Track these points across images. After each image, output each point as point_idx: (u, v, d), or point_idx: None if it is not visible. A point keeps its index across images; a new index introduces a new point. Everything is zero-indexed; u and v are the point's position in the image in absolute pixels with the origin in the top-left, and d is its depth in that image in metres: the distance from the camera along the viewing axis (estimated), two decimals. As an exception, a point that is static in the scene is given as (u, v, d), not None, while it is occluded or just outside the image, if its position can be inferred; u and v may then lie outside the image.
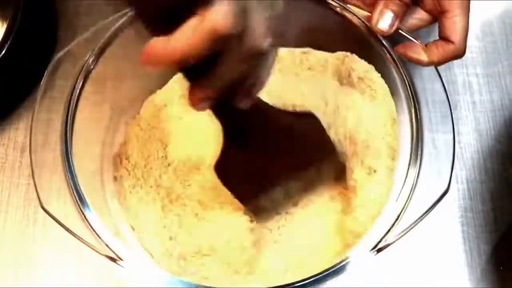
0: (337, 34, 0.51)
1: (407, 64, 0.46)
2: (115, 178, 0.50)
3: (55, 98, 0.45)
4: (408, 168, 0.43)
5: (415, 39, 0.46)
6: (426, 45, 0.46)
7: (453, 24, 0.45)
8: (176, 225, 0.48)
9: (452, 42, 0.45)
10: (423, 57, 0.45)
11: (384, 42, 0.46)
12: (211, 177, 0.47)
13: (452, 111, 0.44)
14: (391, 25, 0.45)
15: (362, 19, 0.47)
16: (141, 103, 0.53)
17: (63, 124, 0.44)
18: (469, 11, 0.45)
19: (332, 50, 0.53)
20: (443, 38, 0.45)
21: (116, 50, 0.47)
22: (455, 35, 0.45)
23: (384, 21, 0.45)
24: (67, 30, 0.59)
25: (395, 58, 0.46)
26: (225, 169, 0.45)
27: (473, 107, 0.57)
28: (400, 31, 0.46)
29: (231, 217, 0.47)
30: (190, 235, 0.47)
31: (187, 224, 0.48)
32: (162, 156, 0.50)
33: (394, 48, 0.46)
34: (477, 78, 0.58)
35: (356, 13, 0.47)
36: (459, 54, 0.45)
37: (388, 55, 0.47)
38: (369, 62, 0.50)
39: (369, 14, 0.47)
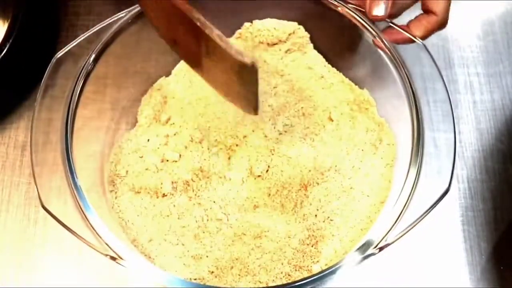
0: (337, 34, 0.51)
1: (408, 64, 0.46)
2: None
3: (56, 97, 0.45)
4: (409, 168, 0.43)
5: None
6: (409, 22, 0.47)
7: None
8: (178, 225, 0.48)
9: (435, 13, 0.45)
10: (410, 34, 0.46)
11: (384, 41, 0.46)
12: None
13: (453, 110, 0.44)
14: (385, 9, 0.45)
15: (360, 16, 0.47)
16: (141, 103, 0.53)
17: (64, 123, 0.44)
18: None
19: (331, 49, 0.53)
20: (426, 11, 0.46)
21: (116, 50, 0.47)
22: (437, 5, 0.45)
23: (379, 8, 0.45)
24: (67, 30, 0.59)
25: (396, 58, 0.46)
26: None
27: (474, 106, 0.57)
28: (390, 24, 0.47)
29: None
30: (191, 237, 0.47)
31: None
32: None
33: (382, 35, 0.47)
34: (478, 77, 0.58)
35: (357, 13, 0.47)
36: (442, 24, 0.46)
37: (389, 54, 0.46)
38: (370, 62, 0.50)
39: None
